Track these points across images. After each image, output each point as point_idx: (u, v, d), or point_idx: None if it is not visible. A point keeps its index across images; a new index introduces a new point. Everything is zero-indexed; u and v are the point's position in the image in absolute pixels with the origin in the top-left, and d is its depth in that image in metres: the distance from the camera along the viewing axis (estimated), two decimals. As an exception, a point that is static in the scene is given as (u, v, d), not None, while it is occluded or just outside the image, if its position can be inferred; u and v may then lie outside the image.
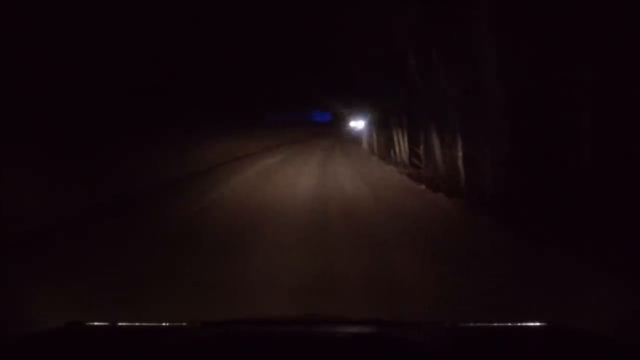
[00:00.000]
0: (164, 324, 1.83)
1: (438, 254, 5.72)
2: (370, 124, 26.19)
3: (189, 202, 10.48)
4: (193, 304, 4.23)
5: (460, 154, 9.28)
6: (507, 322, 1.73)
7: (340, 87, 27.39)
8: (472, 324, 1.77)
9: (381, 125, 20.59)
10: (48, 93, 8.61)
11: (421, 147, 13.00)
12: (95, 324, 1.82)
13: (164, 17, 12.98)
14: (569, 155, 5.88)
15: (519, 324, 1.70)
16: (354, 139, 34.60)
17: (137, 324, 1.88)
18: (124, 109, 11.55)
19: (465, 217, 8.06)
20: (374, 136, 23.95)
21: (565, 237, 5.24)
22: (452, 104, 9.45)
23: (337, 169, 17.30)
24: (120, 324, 1.82)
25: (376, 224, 7.65)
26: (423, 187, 11.42)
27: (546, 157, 6.30)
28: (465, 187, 9.15)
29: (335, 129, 43.90)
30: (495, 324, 1.77)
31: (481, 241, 6.29)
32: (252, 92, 24.81)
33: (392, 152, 17.68)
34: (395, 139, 16.71)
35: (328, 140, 36.36)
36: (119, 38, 10.81)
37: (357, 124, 33.99)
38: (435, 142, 11.03)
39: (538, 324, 1.68)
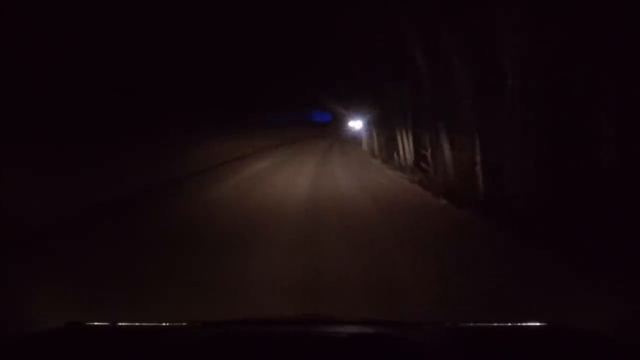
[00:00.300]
0: (164, 324, 1.83)
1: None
2: (370, 123, 25.02)
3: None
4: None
5: (478, 157, 8.15)
6: (507, 322, 1.73)
7: (340, 87, 27.28)
8: (472, 324, 1.77)
9: (382, 125, 19.49)
10: (48, 93, 8.61)
11: (429, 150, 11.63)
12: (95, 324, 1.82)
13: (164, 17, 12.98)
14: (596, 158, 5.33)
15: (519, 324, 1.70)
16: (353, 139, 34.24)
17: (137, 324, 1.88)
18: (124, 109, 11.55)
19: (507, 244, 5.97)
20: (374, 137, 22.78)
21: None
22: (469, 101, 8.23)
23: (337, 176, 14.67)
24: (120, 324, 1.82)
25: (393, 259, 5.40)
26: (444, 201, 9.11)
27: (574, 161, 5.62)
28: (483, 196, 8.04)
29: (334, 129, 43.84)
30: (495, 324, 1.77)
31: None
32: (252, 92, 24.79)
33: (395, 154, 16.20)
34: (399, 140, 15.30)
35: (327, 140, 36.29)
36: (119, 38, 10.80)
37: (356, 124, 33.79)
38: (445, 144, 9.90)
39: (538, 324, 1.68)
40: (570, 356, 1.43)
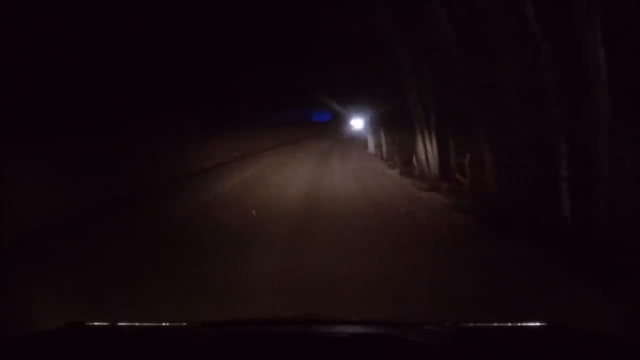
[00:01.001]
0: (164, 324, 1.83)
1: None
2: (377, 122, 20.92)
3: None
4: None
5: (565, 171, 5.54)
6: (507, 322, 1.73)
7: (341, 86, 26.99)
8: (472, 324, 1.76)
9: (392, 125, 16.64)
10: (48, 94, 8.60)
11: (467, 157, 8.96)
12: (95, 324, 1.82)
13: (164, 18, 12.98)
14: None
15: (519, 324, 1.70)
16: (355, 139, 33.43)
17: (137, 324, 1.88)
18: (124, 109, 11.55)
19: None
20: (383, 138, 19.48)
21: None
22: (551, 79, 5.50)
23: (339, 213, 8.47)
24: (120, 324, 1.82)
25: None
26: (555, 265, 4.99)
27: None
28: (570, 224, 5.48)
29: (334, 129, 43.81)
30: (495, 324, 1.77)
31: None
32: (252, 92, 24.79)
33: (414, 160, 13.15)
34: (420, 143, 12.25)
35: (327, 141, 36.05)
36: (119, 39, 10.80)
37: (356, 123, 33.38)
38: (487, 149, 7.48)
39: (538, 324, 1.68)
40: (570, 356, 1.43)
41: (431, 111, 10.95)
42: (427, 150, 11.77)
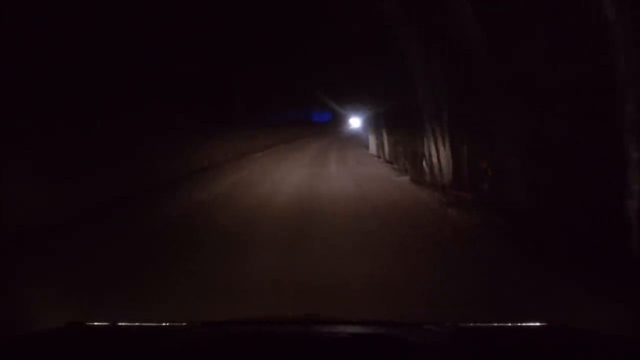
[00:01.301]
0: (164, 324, 1.83)
1: None
2: (379, 121, 19.74)
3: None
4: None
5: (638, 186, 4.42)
6: (507, 322, 1.73)
7: (342, 86, 26.90)
8: (472, 324, 1.76)
9: (393, 124, 16.05)
10: (48, 94, 8.59)
11: (486, 162, 7.83)
12: (95, 324, 1.83)
13: (164, 18, 12.97)
14: None
15: (519, 324, 1.70)
16: (354, 138, 33.22)
17: (137, 324, 1.88)
18: (125, 109, 11.55)
19: None
20: (385, 138, 18.47)
21: None
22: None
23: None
24: (120, 324, 1.82)
25: None
26: None
27: None
28: None
29: (334, 129, 43.85)
30: (495, 324, 1.77)
31: None
32: (253, 92, 24.78)
33: (424, 164, 11.90)
34: (432, 145, 11.08)
35: (327, 139, 35.97)
36: (119, 38, 10.79)
37: (356, 123, 33.31)
38: (514, 161, 6.36)
39: (538, 324, 1.68)
40: (570, 356, 1.43)
41: (444, 110, 9.82)
42: (439, 154, 10.36)
